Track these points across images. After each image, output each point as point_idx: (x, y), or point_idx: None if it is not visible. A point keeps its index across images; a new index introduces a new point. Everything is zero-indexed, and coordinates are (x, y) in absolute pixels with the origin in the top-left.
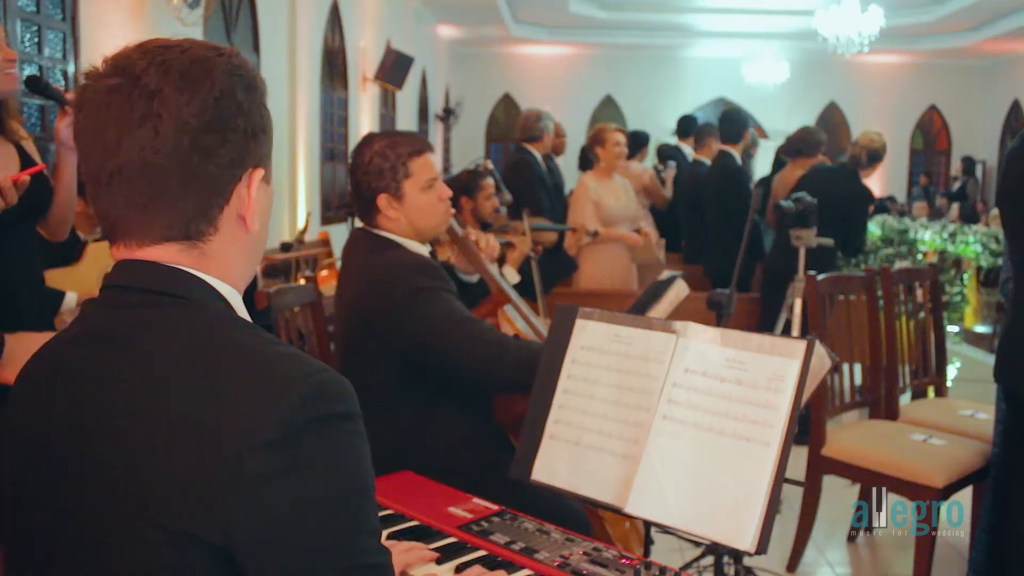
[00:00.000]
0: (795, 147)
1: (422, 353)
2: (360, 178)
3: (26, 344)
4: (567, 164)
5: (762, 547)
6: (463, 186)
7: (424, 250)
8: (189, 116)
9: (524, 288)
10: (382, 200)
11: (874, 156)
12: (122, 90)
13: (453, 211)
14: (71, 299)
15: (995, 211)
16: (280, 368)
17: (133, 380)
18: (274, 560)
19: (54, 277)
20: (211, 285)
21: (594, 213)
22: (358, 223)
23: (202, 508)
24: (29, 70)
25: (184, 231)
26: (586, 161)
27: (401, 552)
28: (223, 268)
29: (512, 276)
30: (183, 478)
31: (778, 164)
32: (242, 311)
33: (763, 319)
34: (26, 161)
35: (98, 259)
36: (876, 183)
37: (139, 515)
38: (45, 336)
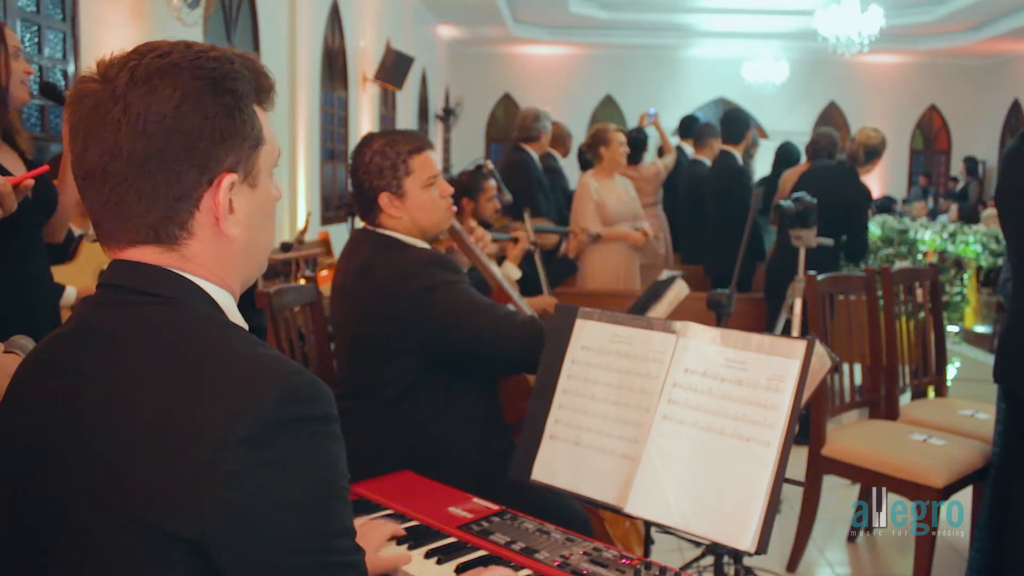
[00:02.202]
0: (824, 150)
1: (443, 343)
2: (361, 178)
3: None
4: (568, 164)
5: (762, 547)
6: (465, 187)
7: (427, 247)
8: (147, 123)
9: (529, 283)
10: (384, 199)
11: (872, 153)
12: (95, 95)
13: (455, 209)
14: (71, 293)
15: (991, 211)
16: (258, 368)
17: (116, 377)
18: (246, 556)
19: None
20: (198, 286)
21: (595, 213)
22: (359, 223)
23: (178, 503)
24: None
25: (153, 235)
26: (587, 161)
27: (376, 526)
28: (211, 271)
29: (513, 272)
30: (160, 474)
31: (779, 164)
32: (234, 314)
33: (770, 318)
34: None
35: (93, 256)
36: (876, 183)
37: (120, 510)
38: (15, 358)
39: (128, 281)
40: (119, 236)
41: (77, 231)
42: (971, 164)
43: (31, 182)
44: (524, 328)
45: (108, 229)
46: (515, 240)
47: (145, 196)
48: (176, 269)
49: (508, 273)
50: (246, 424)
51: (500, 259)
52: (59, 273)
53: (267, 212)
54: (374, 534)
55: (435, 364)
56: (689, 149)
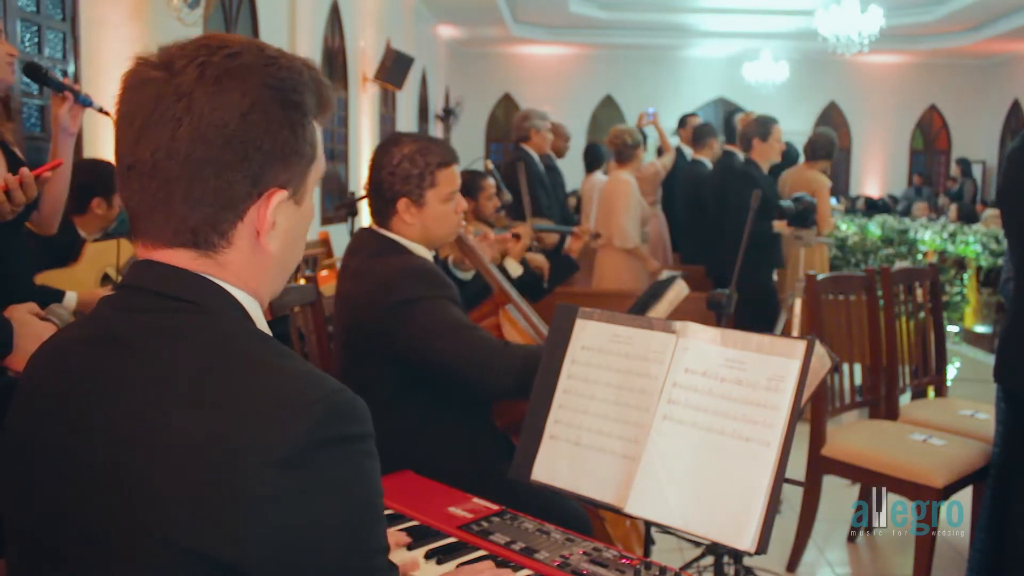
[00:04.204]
0: (822, 150)
1: (418, 359)
2: (384, 178)
3: (30, 329)
4: (571, 164)
5: (762, 547)
6: (463, 188)
7: (429, 255)
8: (209, 127)
9: (528, 286)
10: (402, 204)
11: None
12: (156, 84)
13: (464, 224)
14: (71, 299)
15: (991, 211)
16: (296, 386)
17: (146, 389)
18: None
19: (52, 277)
20: (229, 293)
21: (637, 216)
22: (359, 222)
23: (211, 524)
24: (63, 78)
25: (192, 239)
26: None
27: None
28: (243, 280)
29: (514, 269)
30: (192, 492)
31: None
32: (261, 322)
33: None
34: (12, 161)
35: (96, 259)
36: (876, 182)
37: (146, 527)
38: (50, 327)
39: (155, 284)
40: (155, 234)
41: (84, 235)
42: (965, 165)
43: (49, 174)
44: (505, 356)
45: (145, 226)
46: (516, 236)
47: (192, 200)
48: (208, 275)
49: (509, 269)
50: (286, 444)
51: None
52: (61, 276)
53: (304, 228)
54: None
55: (416, 375)
56: (688, 149)
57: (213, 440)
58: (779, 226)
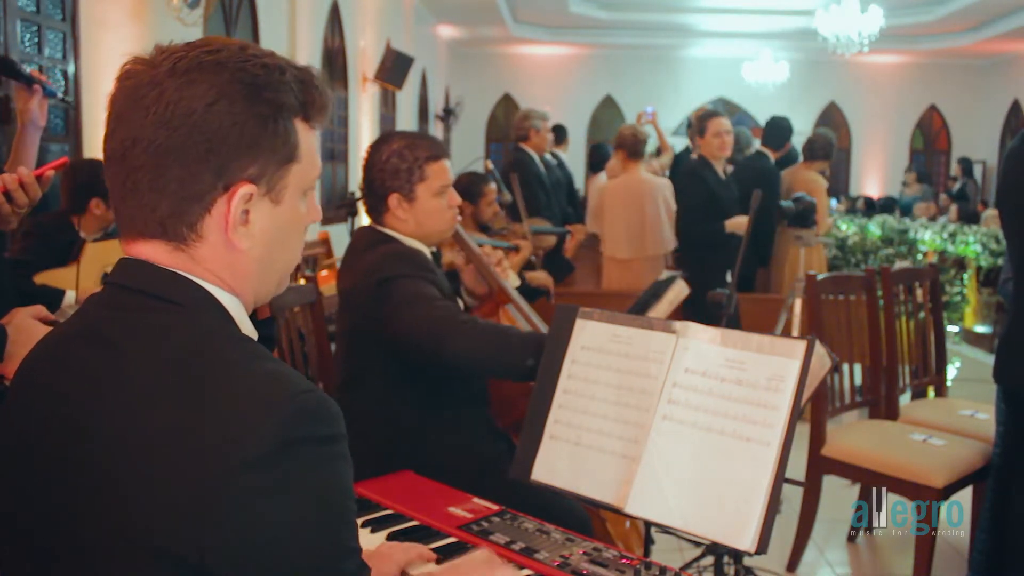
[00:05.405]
0: (820, 150)
1: (391, 333)
2: (375, 175)
3: (27, 335)
4: (573, 164)
5: (762, 547)
6: (464, 191)
7: (426, 250)
8: (174, 116)
9: (527, 294)
10: (393, 199)
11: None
12: (137, 77)
13: (459, 219)
14: (70, 297)
15: (991, 211)
16: (266, 387)
17: (122, 387)
18: None
19: (52, 277)
20: (209, 293)
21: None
22: (358, 222)
23: (179, 523)
24: (30, 69)
25: (161, 230)
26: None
27: (401, 551)
28: (220, 277)
29: (512, 280)
30: (162, 492)
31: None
32: (244, 322)
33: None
34: None
35: (96, 259)
36: (876, 183)
37: (119, 527)
38: (46, 329)
39: (137, 283)
40: (130, 225)
41: (84, 236)
42: (966, 164)
43: (51, 174)
44: (466, 325)
45: (122, 215)
46: (516, 248)
47: (157, 189)
48: (186, 272)
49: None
50: (255, 445)
51: None
52: (61, 276)
53: (290, 231)
54: (403, 554)
55: (416, 370)
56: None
57: (184, 440)
58: (733, 225)
